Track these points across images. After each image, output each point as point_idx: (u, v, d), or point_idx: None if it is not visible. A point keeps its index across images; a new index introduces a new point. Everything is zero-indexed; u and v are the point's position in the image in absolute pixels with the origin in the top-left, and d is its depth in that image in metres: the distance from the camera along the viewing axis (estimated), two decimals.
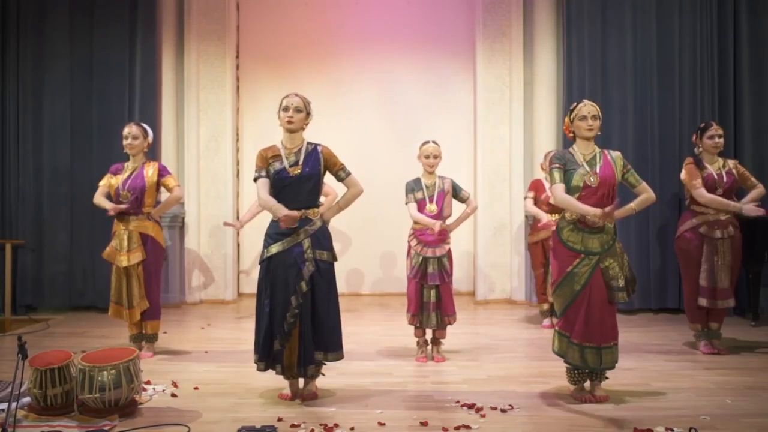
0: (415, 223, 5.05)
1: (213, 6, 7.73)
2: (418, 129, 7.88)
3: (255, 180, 4.05)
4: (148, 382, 4.30)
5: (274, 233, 4.00)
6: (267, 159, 4.03)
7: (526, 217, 7.38)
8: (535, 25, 7.53)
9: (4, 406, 3.65)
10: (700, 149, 5.26)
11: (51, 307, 7.19)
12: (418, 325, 5.05)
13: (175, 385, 4.31)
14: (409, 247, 5.08)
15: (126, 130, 5.22)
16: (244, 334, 5.80)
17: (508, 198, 7.67)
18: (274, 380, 4.20)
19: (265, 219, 4.24)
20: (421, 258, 4.96)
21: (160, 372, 4.63)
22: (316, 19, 8.30)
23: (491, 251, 7.70)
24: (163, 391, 4.20)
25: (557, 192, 3.98)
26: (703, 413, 3.70)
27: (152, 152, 5.74)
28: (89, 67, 7.25)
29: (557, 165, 4.02)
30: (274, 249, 3.96)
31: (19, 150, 7.22)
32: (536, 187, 6.33)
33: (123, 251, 5.09)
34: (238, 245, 8.12)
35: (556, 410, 3.84)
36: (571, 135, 4.13)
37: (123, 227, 5.13)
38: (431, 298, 4.97)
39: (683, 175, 5.25)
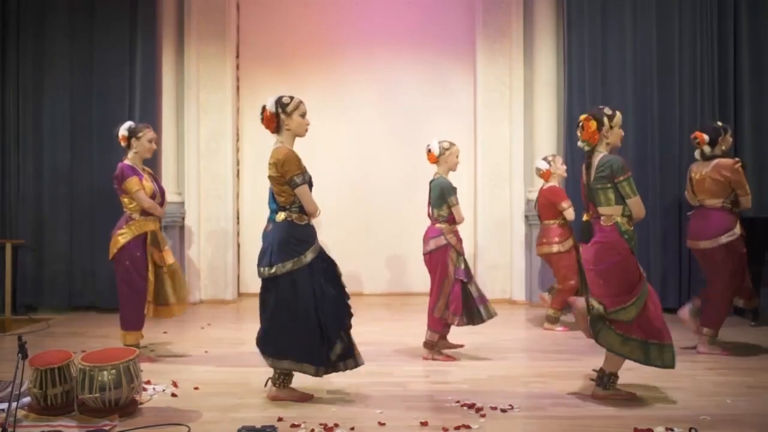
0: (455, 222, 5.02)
1: (213, 6, 7.72)
2: (418, 129, 7.89)
3: (299, 185, 3.88)
4: (148, 382, 4.29)
5: (311, 237, 3.97)
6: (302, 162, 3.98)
7: (527, 217, 7.38)
8: (535, 25, 7.53)
9: (4, 406, 3.65)
10: (723, 149, 5.18)
11: (51, 307, 7.18)
12: (463, 324, 5.03)
13: (175, 385, 4.31)
14: (449, 247, 4.94)
15: (150, 135, 5.10)
16: (245, 334, 5.80)
17: (508, 198, 7.65)
18: None
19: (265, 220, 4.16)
20: (462, 258, 5.00)
21: (160, 372, 4.63)
22: (316, 19, 8.29)
23: (491, 251, 7.69)
24: (163, 391, 4.20)
25: (641, 204, 3.89)
26: (703, 413, 3.71)
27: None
28: (89, 67, 7.25)
29: (630, 174, 3.87)
30: (311, 255, 3.92)
31: (19, 150, 7.22)
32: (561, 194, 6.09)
33: (165, 248, 5.09)
34: (239, 245, 8.11)
35: (556, 410, 3.84)
36: (596, 139, 3.90)
37: (153, 227, 5.07)
38: (477, 292, 5.03)
39: (736, 176, 5.01)
